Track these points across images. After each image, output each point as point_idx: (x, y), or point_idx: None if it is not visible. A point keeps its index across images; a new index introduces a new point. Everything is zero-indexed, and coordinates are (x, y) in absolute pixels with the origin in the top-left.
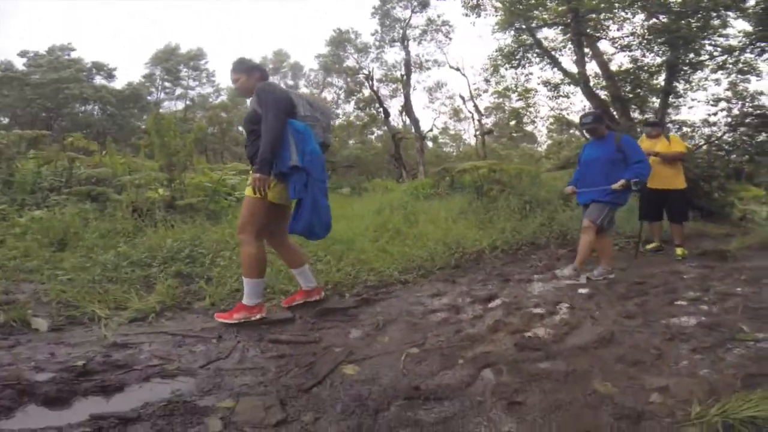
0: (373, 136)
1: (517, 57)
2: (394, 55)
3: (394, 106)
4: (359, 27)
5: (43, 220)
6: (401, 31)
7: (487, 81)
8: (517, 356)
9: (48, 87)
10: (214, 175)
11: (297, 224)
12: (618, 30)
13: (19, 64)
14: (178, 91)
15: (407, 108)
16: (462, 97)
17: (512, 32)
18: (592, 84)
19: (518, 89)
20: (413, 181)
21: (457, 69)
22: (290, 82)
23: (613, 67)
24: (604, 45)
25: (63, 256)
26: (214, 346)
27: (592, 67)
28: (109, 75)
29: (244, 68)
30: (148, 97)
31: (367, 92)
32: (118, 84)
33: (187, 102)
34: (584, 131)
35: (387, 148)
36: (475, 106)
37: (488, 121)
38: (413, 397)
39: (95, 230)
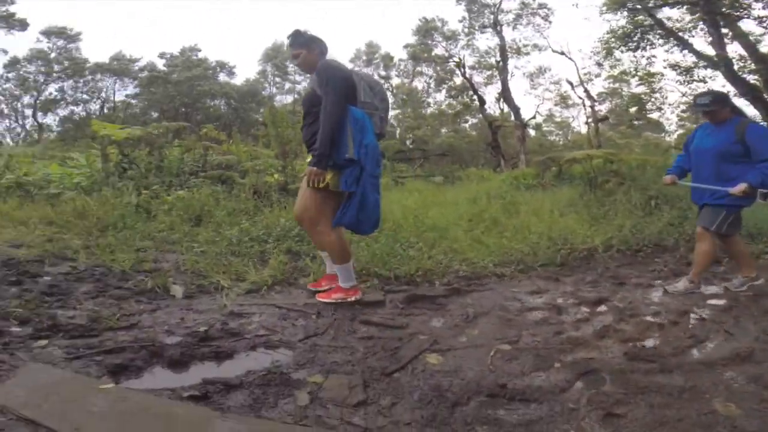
0: (467, 125)
1: (635, 39)
2: (486, 41)
3: (490, 93)
4: (445, 14)
5: (184, 199)
6: (492, 17)
7: (599, 65)
8: (626, 366)
9: (184, 84)
10: None
11: (344, 217)
12: (764, 8)
13: (160, 64)
14: (287, 85)
15: (505, 95)
16: (570, 83)
17: (625, 13)
18: (736, 68)
19: (638, 73)
20: (513, 171)
21: (562, 53)
22: (382, 73)
23: (764, 49)
24: (747, 25)
25: (198, 231)
26: (313, 322)
27: (734, 49)
28: (230, 72)
29: (302, 42)
30: (263, 92)
31: (458, 80)
32: (238, 80)
33: (295, 95)
34: (700, 114)
35: (483, 136)
36: (586, 91)
37: (602, 108)
38: (497, 395)
39: (224, 209)
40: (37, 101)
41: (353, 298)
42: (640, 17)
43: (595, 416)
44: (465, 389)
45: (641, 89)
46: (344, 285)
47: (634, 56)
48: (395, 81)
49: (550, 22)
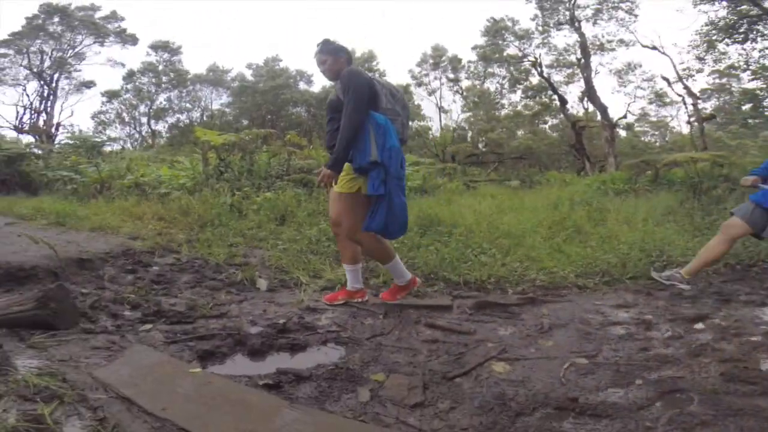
0: (546, 126)
1: (740, 30)
2: (563, 38)
3: (572, 92)
4: (513, 13)
5: (271, 200)
6: (567, 13)
7: (700, 59)
8: (720, 387)
9: (269, 93)
10: None
11: (372, 222)
12: None
13: (248, 74)
14: None
15: (590, 93)
16: (666, 79)
17: (724, 2)
18: None
19: (750, 67)
20: (600, 175)
21: (654, 48)
22: (450, 76)
23: None
24: None
25: (282, 230)
26: (380, 322)
27: None
28: (308, 80)
29: (330, 49)
30: None
31: (535, 80)
32: (315, 88)
33: None
34: None
35: (565, 137)
36: (686, 88)
37: (706, 106)
38: (566, 408)
39: (305, 210)
40: (150, 110)
41: (359, 300)
42: (744, 6)
43: None
44: (531, 400)
45: (755, 84)
46: (351, 287)
47: (743, 49)
48: (465, 83)
49: (635, 16)
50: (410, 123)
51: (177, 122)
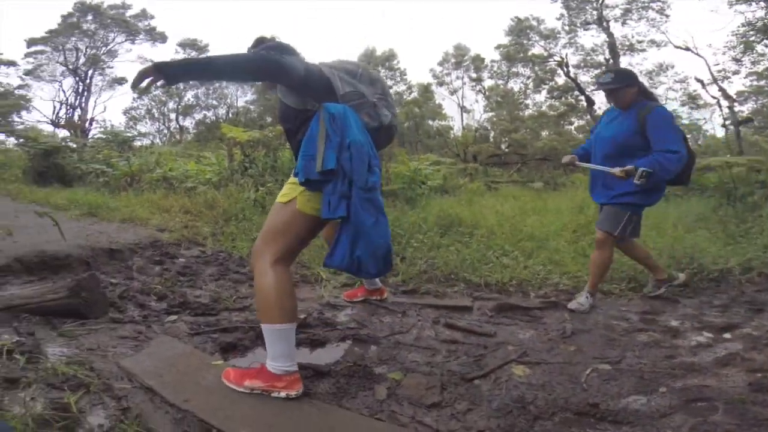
0: (572, 127)
1: None
2: (590, 38)
3: (600, 93)
4: (538, 13)
5: None
6: (594, 13)
7: (736, 61)
8: (747, 396)
9: None
10: (412, 165)
11: (333, 258)
12: None
13: None
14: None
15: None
16: (700, 81)
17: (762, 3)
18: None
19: None
20: None
21: (686, 48)
22: (473, 75)
23: None
24: None
25: None
26: (398, 320)
27: None
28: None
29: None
30: None
31: (561, 80)
32: None
33: None
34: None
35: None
36: (722, 90)
37: (743, 109)
38: (586, 414)
39: None
40: (179, 106)
41: (284, 394)
42: None
43: None
44: (551, 404)
45: None
46: (273, 367)
47: None
48: (488, 83)
49: (666, 16)
50: (393, 101)
51: (204, 119)
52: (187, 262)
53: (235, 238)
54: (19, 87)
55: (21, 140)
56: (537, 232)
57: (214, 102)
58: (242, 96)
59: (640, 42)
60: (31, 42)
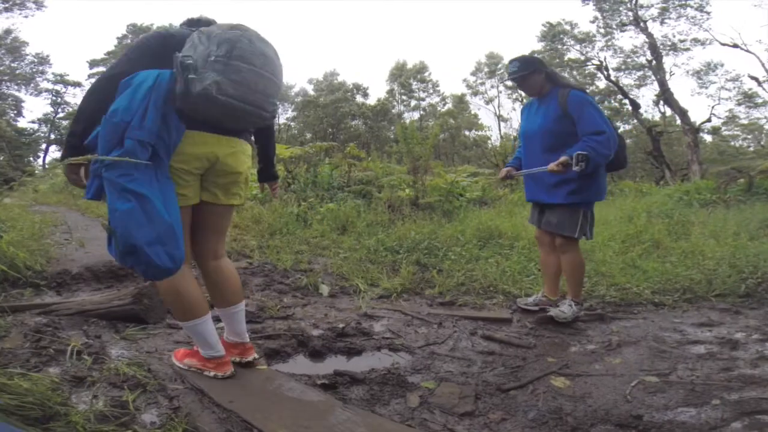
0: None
1: None
2: (629, 40)
3: (645, 95)
4: (570, 16)
5: (333, 211)
6: (630, 14)
7: None
8: None
9: (330, 107)
10: (448, 177)
11: (109, 245)
12: None
13: (309, 89)
14: (413, 102)
15: (666, 96)
16: (754, 78)
17: None
18: None
19: None
20: (682, 184)
21: (734, 45)
22: (509, 84)
23: None
24: None
25: (343, 239)
26: (434, 331)
27: None
28: (365, 93)
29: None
30: (392, 110)
31: (601, 84)
32: (371, 100)
33: (421, 112)
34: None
35: (640, 144)
36: None
37: None
38: (628, 426)
39: (364, 220)
40: None
41: (212, 374)
42: None
43: None
44: (590, 416)
45: None
46: (202, 352)
47: None
48: None
49: (707, 14)
50: (248, 71)
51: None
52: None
53: (279, 250)
54: None
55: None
56: (582, 243)
57: None
58: (283, 113)
59: (682, 41)
60: (92, 63)
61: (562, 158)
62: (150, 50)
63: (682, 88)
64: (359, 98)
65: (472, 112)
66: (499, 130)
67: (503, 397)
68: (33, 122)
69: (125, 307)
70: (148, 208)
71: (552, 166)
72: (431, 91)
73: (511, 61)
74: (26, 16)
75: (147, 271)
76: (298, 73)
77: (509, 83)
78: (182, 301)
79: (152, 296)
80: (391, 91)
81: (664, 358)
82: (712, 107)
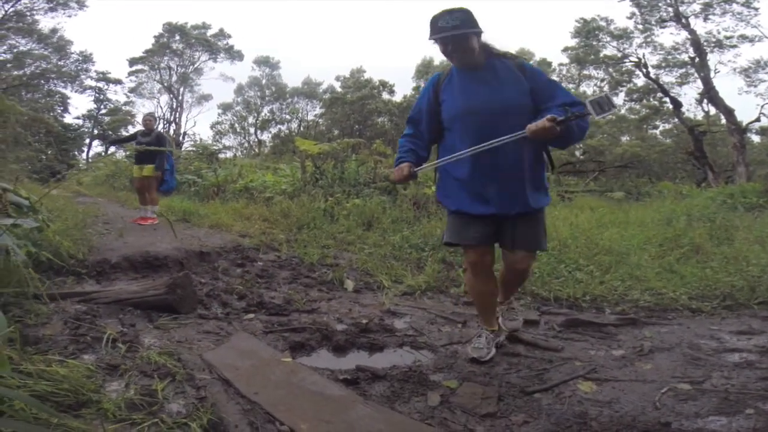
0: (656, 131)
1: None
2: (670, 36)
3: (687, 94)
4: (606, 12)
5: (359, 207)
6: (670, 9)
7: None
8: None
9: (357, 104)
10: None
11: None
12: None
13: (337, 86)
14: None
15: (710, 95)
16: None
17: None
18: None
19: None
20: (726, 186)
21: None
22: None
23: None
24: None
25: (368, 235)
26: (458, 330)
27: None
28: (391, 90)
29: None
30: None
31: (640, 81)
32: (397, 97)
33: None
34: (445, 50)
35: (681, 144)
36: None
37: None
38: None
39: (389, 217)
40: (257, 121)
41: None
42: None
43: None
44: (616, 421)
45: None
46: None
47: None
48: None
49: (755, 9)
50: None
51: (278, 132)
52: (264, 265)
53: (306, 244)
54: (125, 104)
55: (128, 153)
56: (616, 245)
57: (287, 116)
58: (311, 110)
59: (728, 38)
60: (132, 61)
61: (550, 116)
62: None
63: (728, 86)
64: (385, 95)
65: None
66: None
67: (527, 400)
68: (78, 118)
69: (159, 297)
70: None
71: (544, 121)
72: None
73: (449, 12)
74: (69, 16)
75: None
76: (326, 70)
77: (432, 41)
78: None
79: (186, 287)
80: (417, 88)
81: (699, 365)
82: (761, 107)
